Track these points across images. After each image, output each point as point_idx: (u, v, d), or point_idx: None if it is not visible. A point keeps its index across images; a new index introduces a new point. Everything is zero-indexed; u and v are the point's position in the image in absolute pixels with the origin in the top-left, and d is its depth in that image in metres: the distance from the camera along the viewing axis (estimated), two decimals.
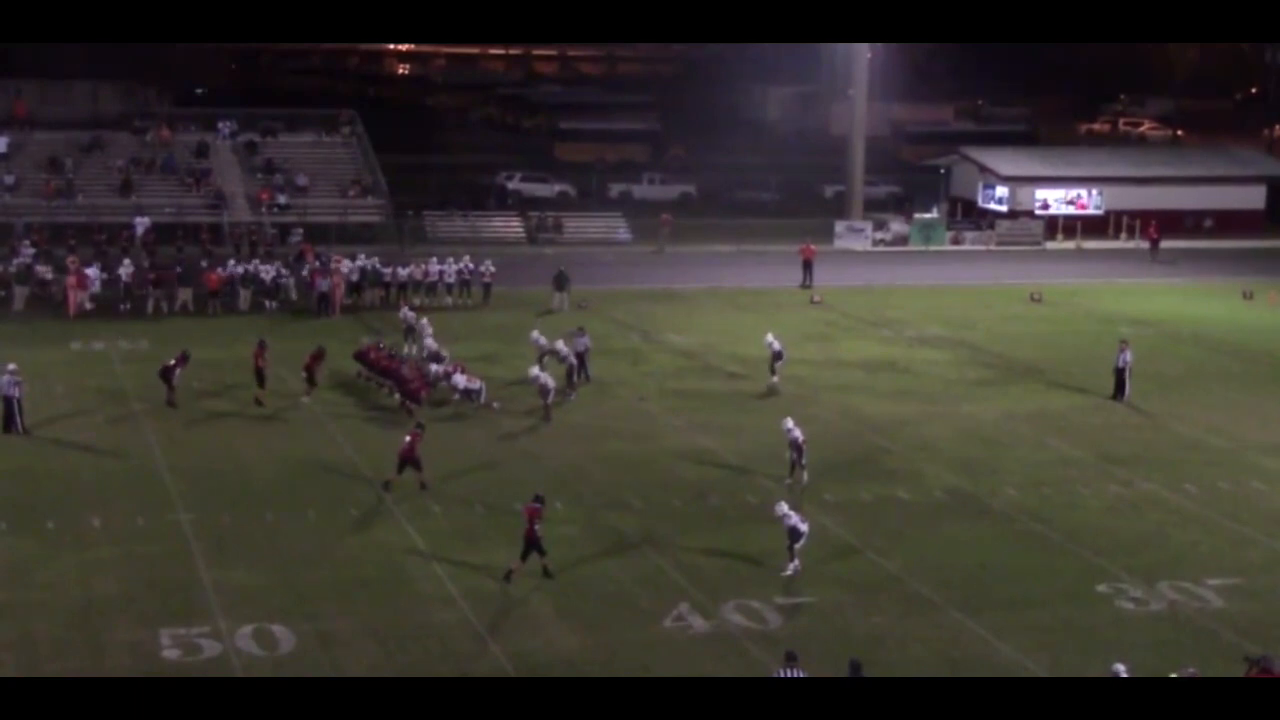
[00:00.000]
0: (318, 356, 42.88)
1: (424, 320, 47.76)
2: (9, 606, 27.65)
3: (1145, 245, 76.15)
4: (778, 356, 44.51)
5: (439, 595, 28.73)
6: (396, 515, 33.06)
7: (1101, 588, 29.97)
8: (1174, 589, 29.93)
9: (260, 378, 41.75)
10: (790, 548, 30.22)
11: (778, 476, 36.12)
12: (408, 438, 34.69)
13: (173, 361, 41.83)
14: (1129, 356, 44.80)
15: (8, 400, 38.64)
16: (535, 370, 41.68)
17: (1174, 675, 23.03)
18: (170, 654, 25.81)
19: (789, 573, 30.11)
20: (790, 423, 36.15)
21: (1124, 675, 22.68)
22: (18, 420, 38.61)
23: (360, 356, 44.02)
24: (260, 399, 41.55)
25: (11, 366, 39.30)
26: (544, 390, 40.72)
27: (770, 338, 45.15)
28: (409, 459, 34.31)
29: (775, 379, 44.49)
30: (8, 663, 25.28)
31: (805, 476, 35.71)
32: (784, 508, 30.58)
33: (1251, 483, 37.17)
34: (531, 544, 29.31)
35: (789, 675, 23.31)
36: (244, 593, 28.46)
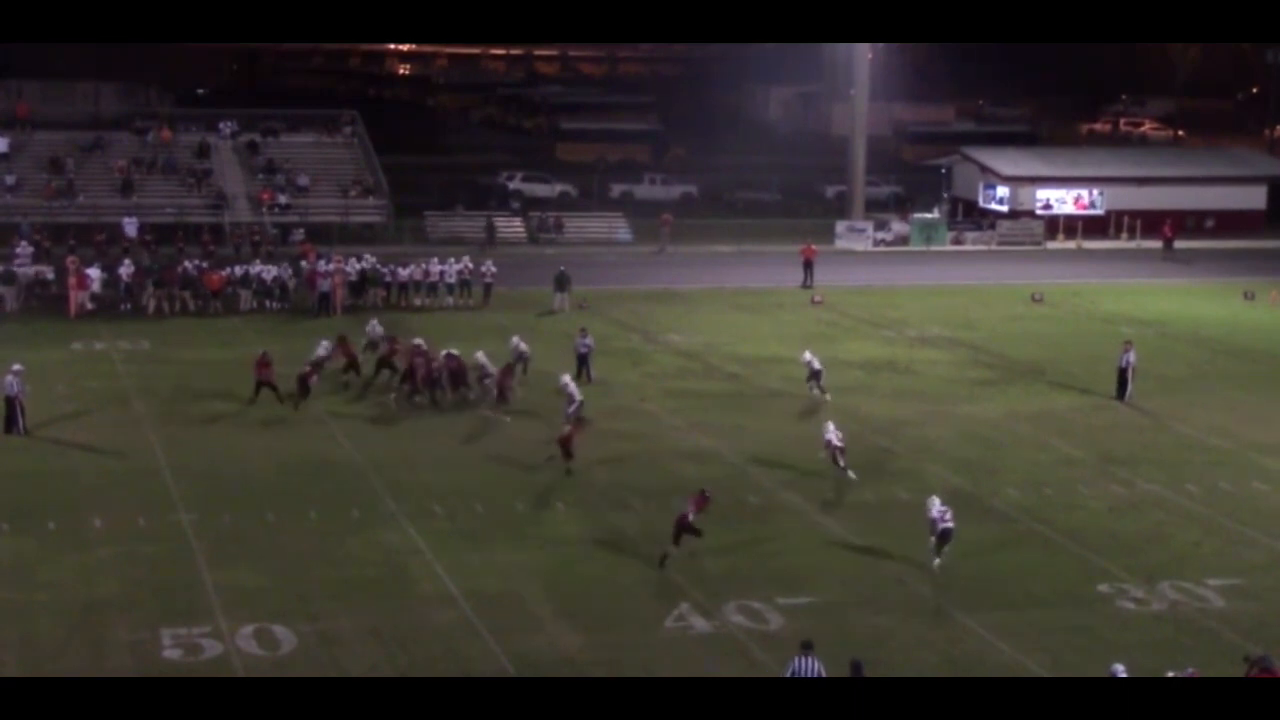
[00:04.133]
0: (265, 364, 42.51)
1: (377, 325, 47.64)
2: (10, 606, 27.66)
3: (1154, 244, 76.13)
4: (816, 375, 43.23)
5: (440, 595, 28.73)
6: (397, 515, 33.07)
7: (1102, 588, 29.98)
8: (1175, 589, 29.93)
9: (258, 387, 41.56)
10: (937, 546, 30.51)
11: (780, 479, 36.19)
12: (567, 428, 36.48)
13: (263, 364, 41.67)
14: (1132, 357, 44.77)
15: (10, 400, 38.63)
16: (566, 379, 41.01)
17: (1172, 675, 23.05)
18: (171, 654, 25.81)
19: (937, 564, 30.45)
20: (831, 427, 36.63)
21: (1122, 676, 22.68)
22: (20, 421, 38.58)
23: (384, 361, 43.93)
24: (254, 400, 41.49)
25: (16, 366, 39.31)
26: (570, 399, 39.65)
27: (809, 355, 43.77)
28: (567, 445, 36.02)
29: (825, 396, 43.24)
30: (9, 663, 25.29)
31: (851, 475, 36.11)
32: (936, 504, 30.90)
33: (1253, 483, 37.17)
34: (684, 528, 30.13)
35: (806, 663, 23.36)
36: (245, 593, 28.47)
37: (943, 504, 31.03)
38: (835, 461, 36.08)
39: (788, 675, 23.46)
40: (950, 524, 30.62)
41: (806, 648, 23.78)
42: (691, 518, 30.37)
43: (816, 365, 43.36)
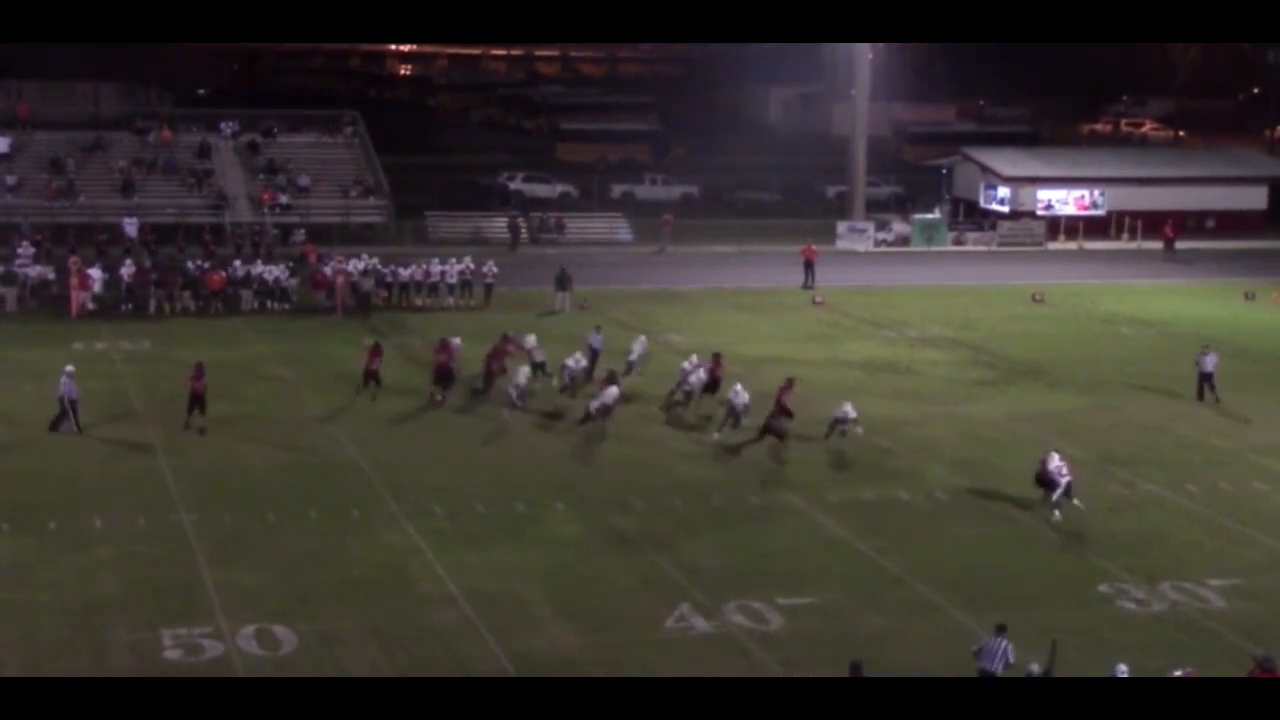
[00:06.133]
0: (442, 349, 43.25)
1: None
2: (11, 607, 27.66)
3: (1155, 245, 76.12)
4: (734, 412, 39.66)
5: (440, 595, 28.74)
6: (398, 516, 33.07)
7: (1103, 588, 29.98)
8: (1175, 589, 29.93)
9: (200, 403, 39.25)
10: (1053, 498, 33.72)
11: (781, 478, 36.19)
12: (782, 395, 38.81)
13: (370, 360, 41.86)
14: (1213, 360, 44.83)
15: (61, 400, 38.58)
16: (636, 349, 42.95)
17: (1178, 674, 23.07)
18: (172, 654, 25.81)
19: (1057, 518, 33.57)
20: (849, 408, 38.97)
21: (1125, 676, 22.71)
22: (72, 420, 38.49)
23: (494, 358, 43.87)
24: (190, 424, 39.03)
25: (69, 368, 39.38)
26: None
27: (738, 388, 40.24)
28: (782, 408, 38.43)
29: (681, 410, 41.90)
30: (9, 663, 25.28)
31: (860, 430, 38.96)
32: (1055, 460, 33.89)
33: (1253, 483, 37.16)
34: (1044, 483, 33.86)
35: (997, 644, 23.98)
36: (245, 593, 28.47)
37: (1060, 459, 33.94)
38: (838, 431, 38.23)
39: (974, 649, 24.29)
40: (1069, 477, 33.71)
41: (1001, 630, 24.30)
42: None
43: (744, 400, 40.07)
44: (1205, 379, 44.89)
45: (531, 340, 44.44)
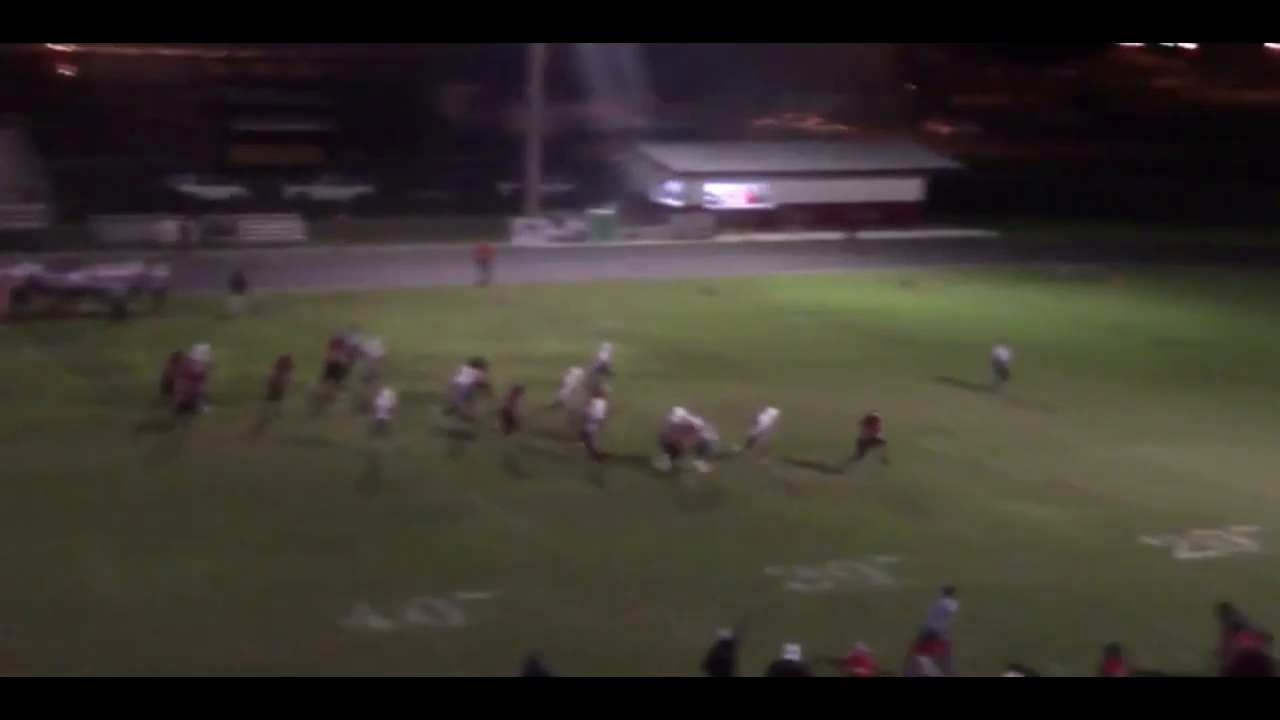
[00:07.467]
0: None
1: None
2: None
3: (820, 236, 79.07)
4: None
5: (121, 607, 28.22)
6: (79, 526, 32.32)
7: (772, 570, 31.04)
8: (842, 568, 31.22)
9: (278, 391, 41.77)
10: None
11: (457, 476, 36.53)
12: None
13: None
14: (1007, 353, 46.86)
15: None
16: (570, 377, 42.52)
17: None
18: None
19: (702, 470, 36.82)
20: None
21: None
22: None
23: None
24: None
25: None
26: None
27: (769, 414, 39.18)
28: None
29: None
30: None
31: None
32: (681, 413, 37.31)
33: (913, 466, 38.64)
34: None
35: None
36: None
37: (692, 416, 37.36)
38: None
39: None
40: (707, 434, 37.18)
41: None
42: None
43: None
44: (999, 369, 46.83)
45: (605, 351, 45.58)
